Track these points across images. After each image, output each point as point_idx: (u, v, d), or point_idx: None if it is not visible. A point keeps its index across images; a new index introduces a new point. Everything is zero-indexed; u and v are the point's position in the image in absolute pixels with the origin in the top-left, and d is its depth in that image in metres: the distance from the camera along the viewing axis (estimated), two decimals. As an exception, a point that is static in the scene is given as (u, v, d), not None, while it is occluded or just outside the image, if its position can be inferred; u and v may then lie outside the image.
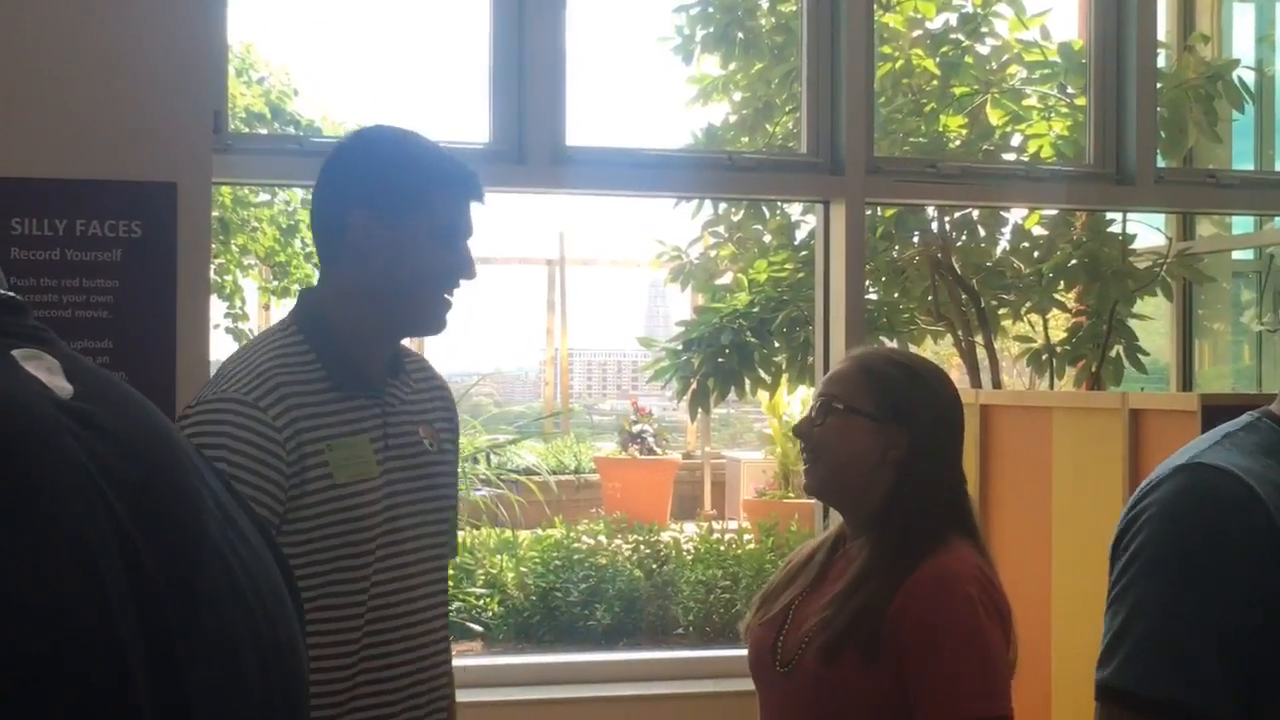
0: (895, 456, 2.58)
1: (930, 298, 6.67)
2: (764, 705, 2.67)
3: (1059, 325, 6.94)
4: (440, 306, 2.54)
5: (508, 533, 9.19)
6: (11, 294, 1.06)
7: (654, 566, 8.30)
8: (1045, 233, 6.51)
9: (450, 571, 3.04)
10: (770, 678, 2.61)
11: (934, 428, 2.62)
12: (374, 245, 2.47)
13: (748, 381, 7.17)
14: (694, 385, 7.22)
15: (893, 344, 6.57)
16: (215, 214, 8.61)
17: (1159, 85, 5.59)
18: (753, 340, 7.11)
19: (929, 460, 2.60)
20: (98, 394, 1.04)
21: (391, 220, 2.47)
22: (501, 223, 19.99)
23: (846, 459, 2.60)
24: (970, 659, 2.41)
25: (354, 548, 2.41)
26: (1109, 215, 6.23)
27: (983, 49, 6.81)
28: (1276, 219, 6.88)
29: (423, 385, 2.67)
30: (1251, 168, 7.22)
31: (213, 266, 9.02)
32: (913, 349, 7.05)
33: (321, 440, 2.40)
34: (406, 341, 2.67)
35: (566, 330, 15.49)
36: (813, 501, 5.26)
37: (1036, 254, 6.47)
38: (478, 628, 7.92)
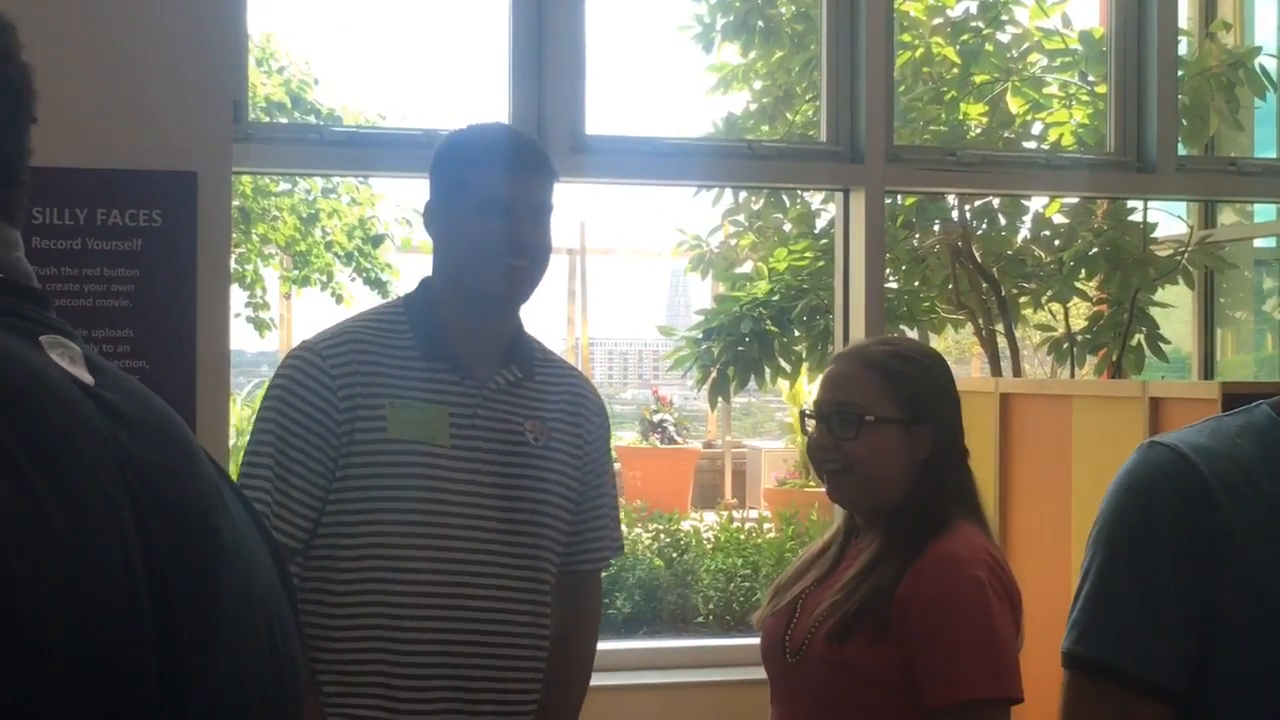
0: (922, 455, 2.58)
1: (951, 286, 6.66)
2: (774, 694, 2.66)
3: (1080, 314, 6.93)
4: (500, 276, 2.60)
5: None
6: (37, 287, 1.08)
7: (674, 555, 8.30)
8: (1066, 221, 6.50)
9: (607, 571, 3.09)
10: (780, 666, 2.61)
11: (949, 417, 2.63)
12: (439, 229, 2.67)
13: (768, 370, 7.16)
14: (714, 374, 7.21)
15: (913, 333, 6.56)
16: (236, 203, 8.64)
17: (1180, 73, 5.57)
18: (773, 329, 7.10)
19: (949, 452, 2.61)
20: (115, 386, 1.07)
21: (445, 205, 2.65)
22: (522, 212, 20.02)
23: (883, 471, 2.57)
24: (977, 640, 2.40)
25: (402, 504, 2.49)
26: (1130, 203, 6.21)
27: (1003, 37, 6.80)
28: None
29: (552, 384, 2.73)
30: (1273, 155, 7.18)
31: (233, 256, 9.06)
32: (933, 338, 7.05)
33: (385, 397, 2.53)
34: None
35: (587, 319, 15.48)
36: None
37: (1057, 242, 6.46)
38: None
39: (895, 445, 2.57)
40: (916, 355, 2.68)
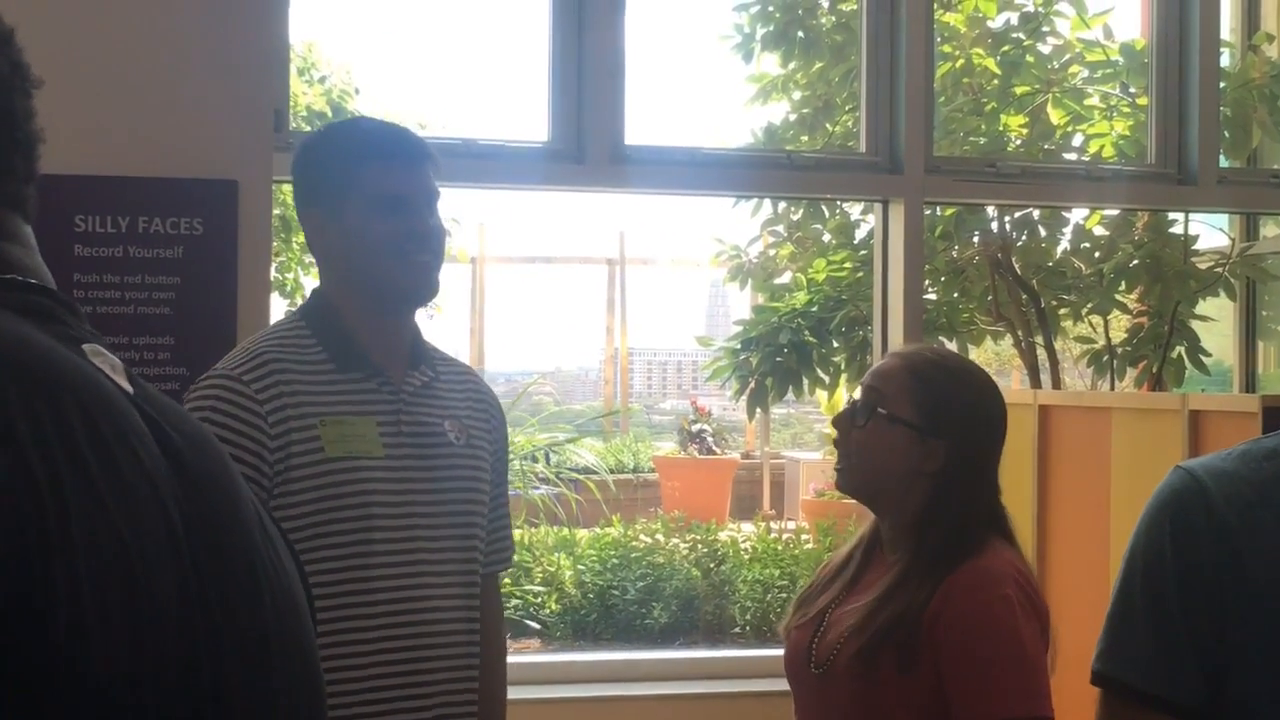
0: (931, 469, 2.54)
1: (990, 298, 6.64)
2: (799, 707, 2.66)
3: (1120, 326, 6.89)
4: (409, 272, 2.54)
5: (565, 531, 9.21)
6: (64, 294, 1.09)
7: (711, 565, 8.29)
8: (1106, 233, 6.46)
9: (510, 570, 3.03)
10: (805, 679, 2.59)
11: (972, 440, 2.58)
12: (329, 239, 2.56)
13: (805, 381, 7.15)
14: (752, 384, 7.21)
15: (952, 345, 6.54)
16: (276, 212, 8.66)
17: (1222, 85, 5.55)
18: (811, 340, 7.10)
19: (965, 472, 2.56)
20: (150, 397, 1.08)
21: (333, 210, 2.54)
22: (562, 222, 20.06)
23: (881, 466, 2.56)
24: (1008, 659, 2.38)
25: (348, 523, 2.43)
26: (1171, 215, 6.18)
27: (1044, 48, 6.77)
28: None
29: (456, 383, 2.68)
30: (1317, 168, 7.14)
31: (274, 264, 9.11)
32: (972, 350, 7.02)
33: (315, 415, 2.45)
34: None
35: (626, 330, 15.49)
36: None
37: (1097, 254, 6.43)
38: (536, 625, 7.94)
39: (899, 447, 2.55)
40: (958, 372, 2.64)
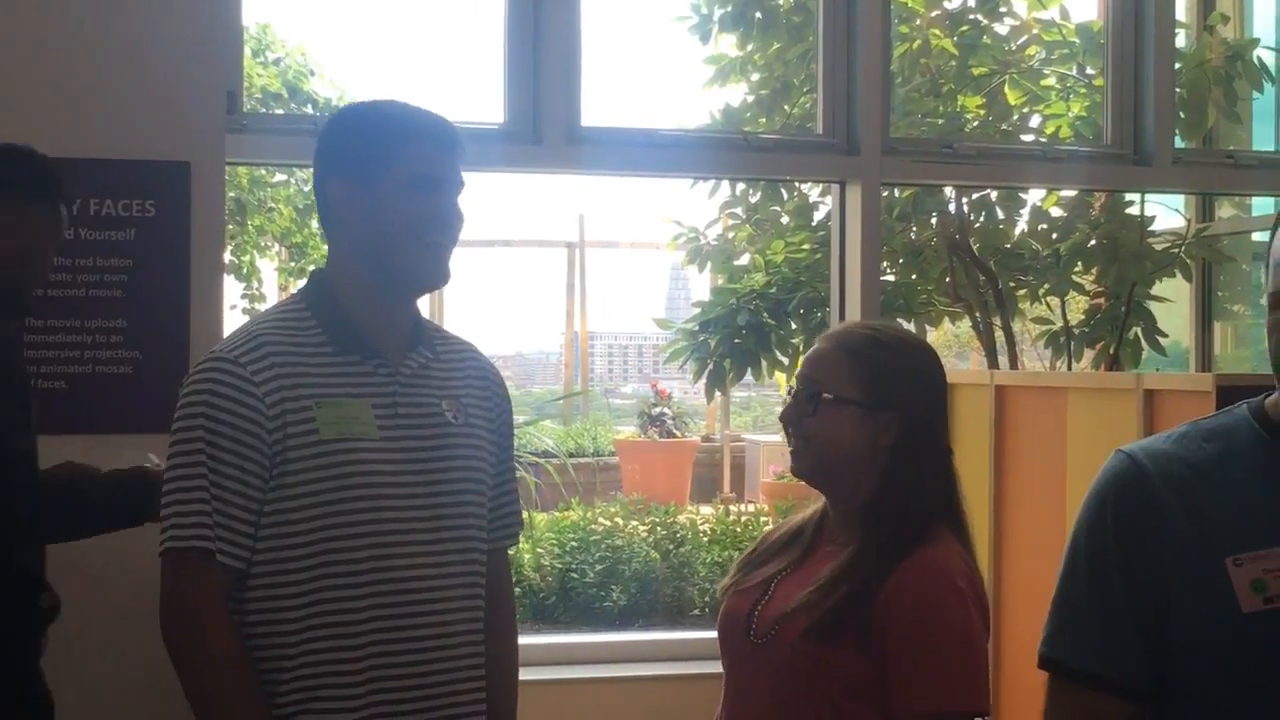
0: (885, 443, 2.53)
1: (948, 279, 6.65)
2: (730, 675, 2.62)
3: (1077, 307, 6.92)
4: (429, 256, 2.55)
5: (524, 514, 9.19)
6: None
7: (670, 548, 8.29)
8: (1063, 214, 6.49)
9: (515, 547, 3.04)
10: (741, 647, 2.57)
11: (922, 408, 2.57)
12: (353, 210, 2.53)
13: (764, 362, 7.15)
14: (710, 366, 7.20)
15: (910, 326, 6.55)
16: (232, 195, 8.63)
17: (1178, 66, 5.57)
18: (770, 321, 7.09)
19: (919, 443, 2.55)
20: None
21: (363, 181, 2.52)
22: (520, 205, 20.00)
23: (837, 450, 2.54)
24: (957, 654, 2.38)
25: (345, 504, 2.42)
26: (1127, 196, 6.20)
27: (1001, 29, 6.79)
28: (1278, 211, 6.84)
29: (455, 361, 2.68)
30: (1271, 148, 7.17)
31: (230, 247, 9.05)
32: (930, 331, 7.04)
33: (310, 397, 2.45)
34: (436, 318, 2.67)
35: (586, 313, 15.47)
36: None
37: (1054, 235, 6.45)
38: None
39: (852, 426, 2.53)
40: (894, 342, 2.62)
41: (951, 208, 6.55)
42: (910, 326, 6.53)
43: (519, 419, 11.80)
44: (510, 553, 2.88)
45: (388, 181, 2.50)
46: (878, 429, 2.53)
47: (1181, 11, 6.02)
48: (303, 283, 2.77)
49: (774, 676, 2.49)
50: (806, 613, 2.44)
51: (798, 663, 2.44)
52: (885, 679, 2.39)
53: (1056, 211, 6.52)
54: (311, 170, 2.61)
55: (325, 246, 2.74)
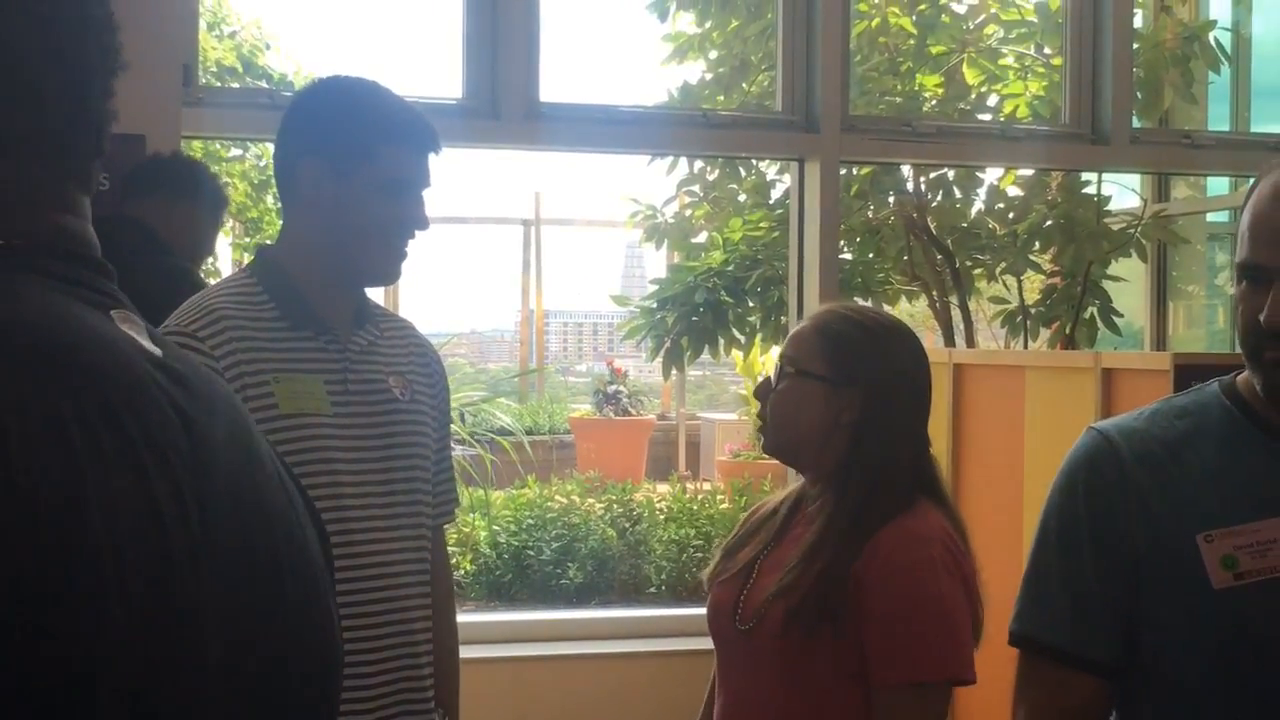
0: (848, 419, 2.53)
1: (905, 258, 6.67)
2: (722, 663, 2.64)
3: (1033, 287, 6.94)
4: (388, 258, 2.54)
5: (480, 492, 9.18)
6: (102, 259, 1.11)
7: (626, 526, 8.29)
8: (1020, 193, 6.51)
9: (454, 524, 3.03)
10: (730, 635, 2.58)
11: (888, 388, 2.56)
12: (322, 195, 2.49)
13: (721, 340, 7.15)
14: (668, 344, 7.20)
15: (867, 304, 6.56)
16: (187, 169, 8.55)
17: (1135, 46, 5.58)
18: (727, 299, 7.09)
19: (884, 421, 2.54)
20: (180, 358, 1.11)
21: (338, 170, 2.48)
22: (476, 182, 19.92)
23: (798, 422, 2.56)
24: (931, 623, 2.37)
25: (304, 480, 2.38)
26: (1084, 176, 6.22)
27: (959, 8, 6.81)
28: (1251, 181, 6.87)
29: (397, 339, 2.67)
30: (1227, 129, 7.21)
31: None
32: (887, 309, 7.05)
33: (267, 372, 2.44)
34: (383, 300, 2.66)
35: (542, 291, 15.43)
36: (786, 461, 5.26)
37: (1011, 215, 6.47)
38: (450, 586, 7.88)
39: (811, 398, 2.54)
40: (866, 321, 2.62)
41: (909, 186, 6.56)
42: (866, 303, 6.55)
43: (475, 396, 11.80)
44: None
45: (363, 179, 2.47)
46: (840, 405, 2.53)
47: (1139, -8, 6.04)
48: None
49: (764, 662, 2.50)
50: (785, 596, 2.44)
51: (784, 646, 2.44)
52: (863, 651, 2.39)
53: (1014, 191, 6.54)
54: (276, 141, 2.57)
55: (280, 222, 2.71)
